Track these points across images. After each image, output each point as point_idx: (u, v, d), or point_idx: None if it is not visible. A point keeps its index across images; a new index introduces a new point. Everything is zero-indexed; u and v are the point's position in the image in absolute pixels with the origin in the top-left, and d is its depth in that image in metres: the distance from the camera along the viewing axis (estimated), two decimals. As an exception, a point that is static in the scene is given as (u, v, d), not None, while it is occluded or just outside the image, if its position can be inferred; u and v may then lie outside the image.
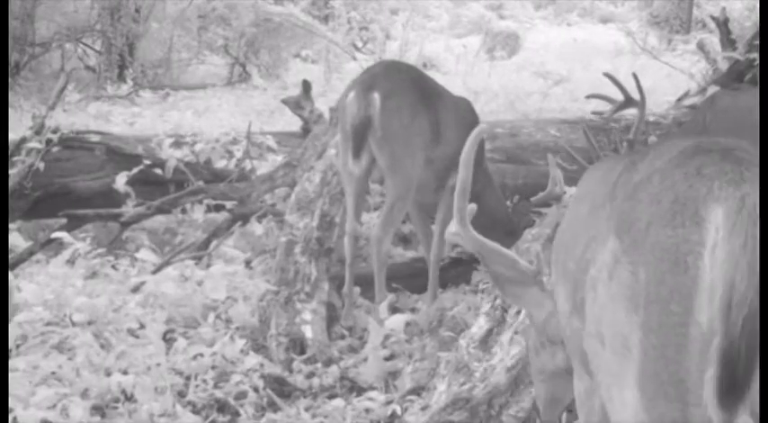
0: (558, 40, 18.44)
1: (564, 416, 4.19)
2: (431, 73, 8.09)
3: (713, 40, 9.16)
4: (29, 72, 12.95)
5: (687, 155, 2.43)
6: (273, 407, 4.67)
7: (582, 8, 23.82)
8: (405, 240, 6.87)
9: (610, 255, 2.43)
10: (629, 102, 5.62)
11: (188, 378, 4.70)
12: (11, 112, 9.63)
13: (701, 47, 9.47)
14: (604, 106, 6.47)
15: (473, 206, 3.32)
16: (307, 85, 7.37)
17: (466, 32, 19.31)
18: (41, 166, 6.64)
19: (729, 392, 2.20)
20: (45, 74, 12.95)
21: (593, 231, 2.61)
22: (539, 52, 16.58)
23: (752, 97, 5.64)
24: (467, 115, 5.96)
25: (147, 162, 6.70)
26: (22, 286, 5.18)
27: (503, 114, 10.08)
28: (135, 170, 6.60)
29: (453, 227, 3.28)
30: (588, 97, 6.37)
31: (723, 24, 8.14)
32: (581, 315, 2.68)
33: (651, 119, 7.50)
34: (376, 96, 5.51)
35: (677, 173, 2.38)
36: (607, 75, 5.69)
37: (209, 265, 5.80)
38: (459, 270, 6.29)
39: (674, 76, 11.55)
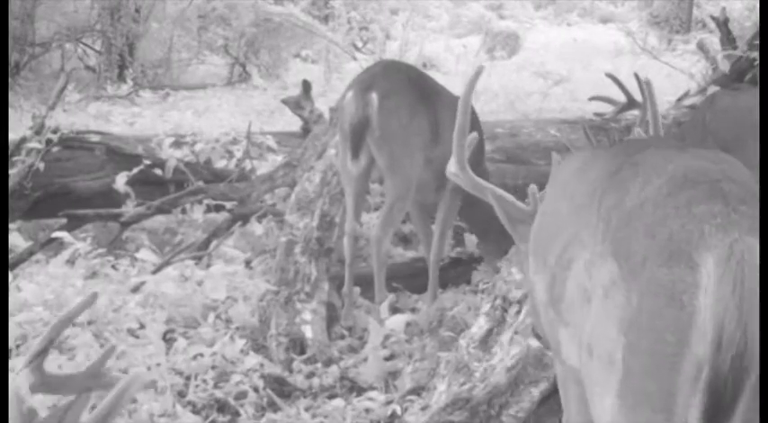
0: (558, 40, 18.42)
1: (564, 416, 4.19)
2: (431, 73, 8.08)
3: (713, 40, 9.15)
4: (29, 72, 12.95)
5: (677, 184, 2.61)
6: (273, 407, 4.68)
7: (582, 8, 23.79)
8: (405, 240, 6.87)
9: (608, 276, 2.61)
10: (631, 103, 5.63)
11: (188, 378, 4.70)
12: (11, 112, 9.63)
13: (701, 47, 9.46)
14: (606, 108, 6.48)
15: (474, 135, 3.36)
16: (307, 85, 7.37)
17: (466, 32, 19.29)
18: (41, 166, 6.64)
19: (715, 419, 2.42)
20: (45, 74, 12.94)
21: (574, 229, 2.79)
22: (539, 52, 16.56)
23: (752, 97, 5.64)
24: (467, 115, 5.95)
25: (147, 162, 6.70)
26: (22, 286, 5.18)
27: (503, 114, 10.07)
28: (135, 170, 6.60)
29: (453, 167, 3.41)
30: (591, 99, 6.38)
31: (723, 24, 8.13)
32: (557, 307, 2.88)
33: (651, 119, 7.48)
34: (374, 96, 5.51)
35: (669, 204, 2.57)
36: (610, 76, 5.69)
37: (209, 265, 5.80)
38: (459, 270, 6.29)
39: (674, 76, 11.54)
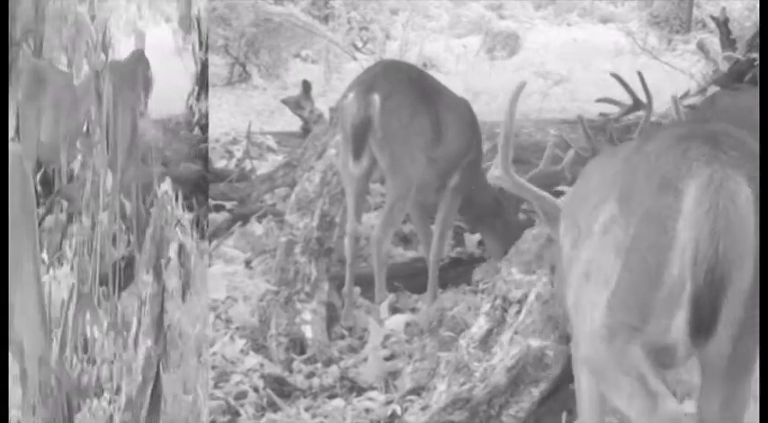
0: (558, 40, 18.39)
1: (564, 416, 4.20)
2: (431, 73, 8.07)
3: (713, 40, 9.15)
4: (29, 72, 12.93)
5: (679, 139, 2.94)
6: (273, 407, 4.68)
7: (582, 8, 23.73)
8: (405, 240, 6.86)
9: (609, 215, 2.97)
10: (637, 104, 5.62)
11: (188, 378, 4.70)
12: (11, 111, 9.62)
13: (701, 47, 9.46)
14: (609, 108, 6.46)
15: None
16: (307, 85, 7.39)
17: (466, 32, 19.26)
18: (41, 166, 6.64)
19: (699, 330, 2.77)
20: (45, 74, 12.93)
21: (605, 193, 3.12)
22: (539, 52, 16.54)
23: (752, 97, 5.63)
24: (466, 114, 5.97)
25: (148, 162, 6.70)
26: (23, 286, 5.18)
27: (503, 114, 10.04)
28: (135, 170, 6.60)
29: (497, 171, 3.83)
30: (598, 101, 6.37)
31: (723, 24, 8.14)
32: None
33: (652, 119, 7.49)
34: (376, 97, 5.50)
35: (669, 154, 2.89)
36: (615, 76, 5.69)
37: (209, 266, 5.80)
38: (459, 270, 6.28)
39: (674, 76, 11.53)
